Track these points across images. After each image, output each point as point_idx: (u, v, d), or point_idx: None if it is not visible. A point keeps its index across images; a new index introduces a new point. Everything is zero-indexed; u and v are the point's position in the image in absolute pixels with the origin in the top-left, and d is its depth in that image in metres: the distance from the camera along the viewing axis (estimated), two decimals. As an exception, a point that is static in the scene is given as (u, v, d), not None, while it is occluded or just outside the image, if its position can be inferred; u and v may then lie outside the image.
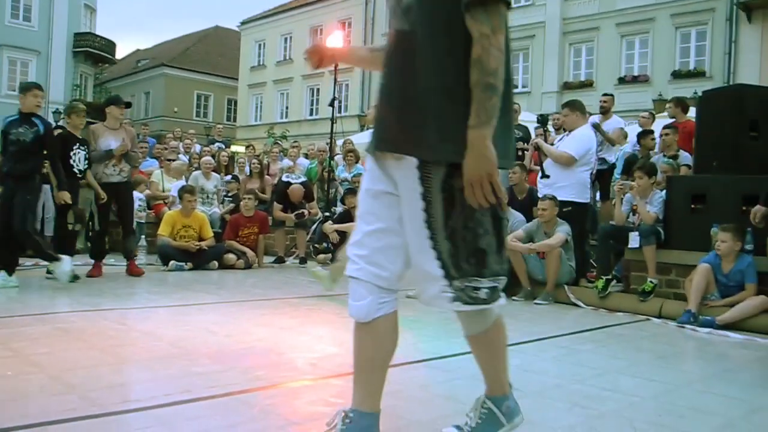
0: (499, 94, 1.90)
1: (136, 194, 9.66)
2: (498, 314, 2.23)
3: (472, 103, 1.89)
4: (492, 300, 2.08)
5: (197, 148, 13.97)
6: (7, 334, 4.14)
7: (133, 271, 7.52)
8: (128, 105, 7.79)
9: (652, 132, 8.97)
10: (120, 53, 45.25)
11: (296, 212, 9.72)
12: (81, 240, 9.80)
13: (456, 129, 1.91)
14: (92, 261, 7.42)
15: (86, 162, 7.39)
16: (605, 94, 9.34)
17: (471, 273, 2.02)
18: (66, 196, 6.82)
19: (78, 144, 7.33)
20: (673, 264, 6.43)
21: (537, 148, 7.35)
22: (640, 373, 3.84)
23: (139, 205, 9.72)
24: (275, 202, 10.07)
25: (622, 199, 7.27)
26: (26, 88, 6.71)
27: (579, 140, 7.06)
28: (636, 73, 24.02)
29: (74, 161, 7.24)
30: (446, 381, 3.43)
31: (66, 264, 6.44)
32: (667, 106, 9.63)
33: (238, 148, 17.42)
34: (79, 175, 7.32)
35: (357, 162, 11.15)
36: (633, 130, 9.95)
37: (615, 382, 3.63)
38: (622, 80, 23.98)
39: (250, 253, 8.91)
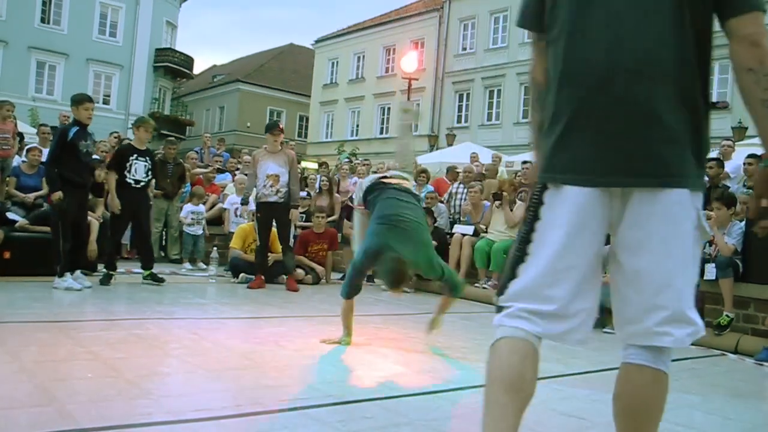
0: None
1: (189, 207, 9.91)
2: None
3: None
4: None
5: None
6: (87, 337, 4.31)
7: (291, 287, 8.00)
8: (280, 130, 8.20)
9: (716, 159, 8.60)
10: (197, 68, 46.62)
11: None
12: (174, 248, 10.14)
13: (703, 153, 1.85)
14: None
15: (146, 173, 7.50)
16: None
17: None
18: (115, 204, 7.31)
19: (137, 155, 7.47)
20: (751, 298, 6.22)
21: None
22: (715, 410, 3.72)
23: (192, 218, 9.90)
24: (345, 220, 10.17)
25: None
26: (79, 100, 6.81)
27: None
28: (714, 99, 23.40)
29: (130, 172, 7.39)
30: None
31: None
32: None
33: (308, 164, 17.67)
34: (134, 185, 7.42)
35: (427, 182, 11.15)
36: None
37: (688, 417, 3.53)
38: (699, 106, 23.38)
39: (318, 268, 9.01)
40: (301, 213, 10.45)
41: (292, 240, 8.71)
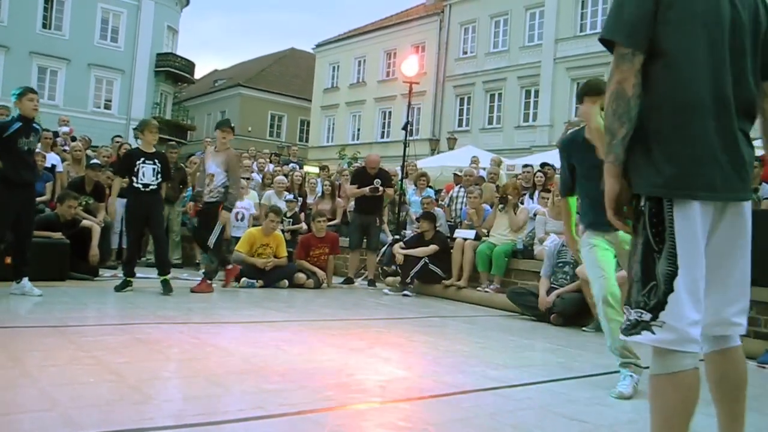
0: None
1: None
2: (657, 370, 2.07)
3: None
4: (625, 332, 2.10)
5: (270, 167, 14.27)
6: (89, 342, 4.31)
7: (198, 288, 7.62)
8: (228, 127, 7.90)
9: None
10: (198, 73, 46.67)
11: (371, 186, 9.53)
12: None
13: None
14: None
15: (155, 176, 7.24)
16: None
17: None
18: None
19: (144, 159, 7.23)
20: (753, 301, 6.19)
21: None
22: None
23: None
24: (350, 183, 10.08)
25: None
26: (22, 92, 6.24)
27: None
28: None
29: (137, 177, 7.16)
30: (515, 410, 3.39)
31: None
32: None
33: (310, 169, 17.70)
34: (142, 189, 7.16)
35: (428, 186, 11.16)
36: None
37: (691, 421, 3.52)
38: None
39: (320, 273, 9.01)
40: (288, 217, 10.37)
41: (213, 240, 7.86)
